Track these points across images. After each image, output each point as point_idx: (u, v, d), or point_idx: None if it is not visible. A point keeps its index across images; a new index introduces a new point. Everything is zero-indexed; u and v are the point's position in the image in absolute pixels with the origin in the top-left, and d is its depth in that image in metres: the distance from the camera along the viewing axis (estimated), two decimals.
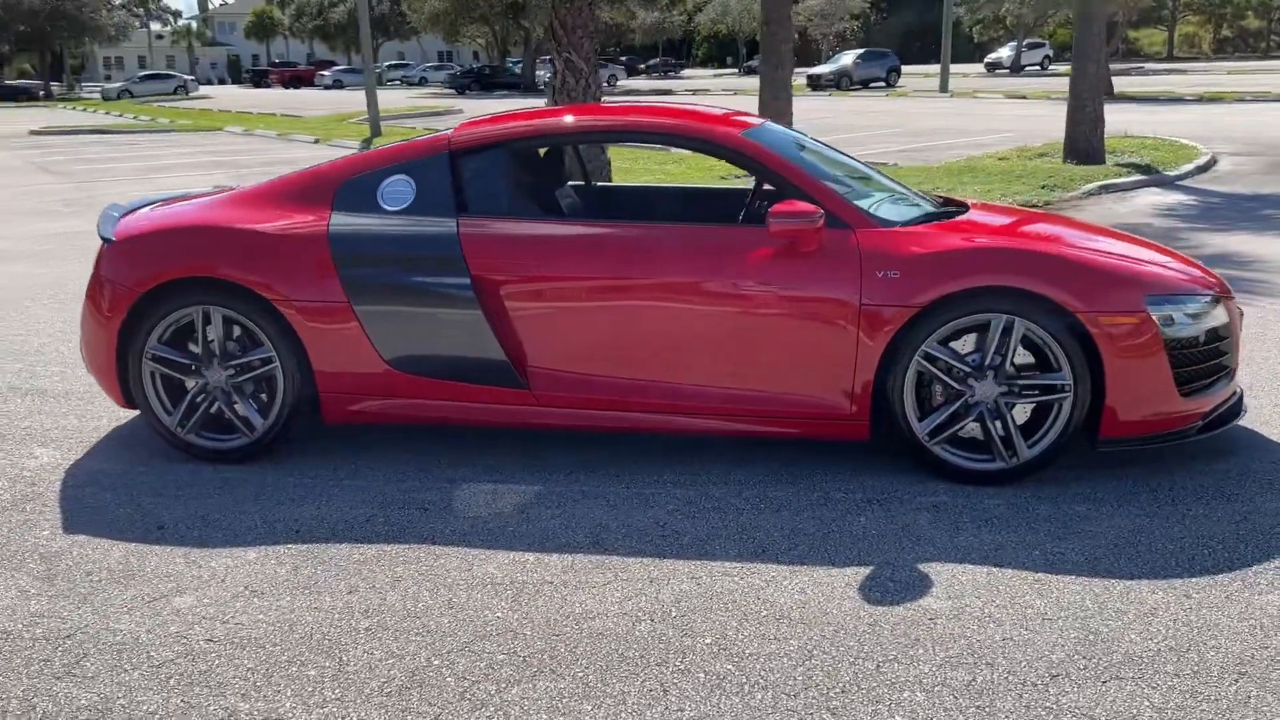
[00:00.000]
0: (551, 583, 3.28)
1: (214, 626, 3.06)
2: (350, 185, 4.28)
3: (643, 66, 70.09)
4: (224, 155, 19.81)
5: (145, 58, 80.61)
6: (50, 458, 4.44)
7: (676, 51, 78.43)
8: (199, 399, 4.28)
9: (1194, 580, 3.23)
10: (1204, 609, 3.06)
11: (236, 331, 4.26)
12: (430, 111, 32.45)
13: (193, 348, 4.28)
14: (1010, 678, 2.73)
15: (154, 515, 3.84)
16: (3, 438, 4.67)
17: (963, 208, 4.69)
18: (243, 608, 3.17)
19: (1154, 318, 3.82)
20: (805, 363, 3.98)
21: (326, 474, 4.20)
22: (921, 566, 3.35)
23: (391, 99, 39.59)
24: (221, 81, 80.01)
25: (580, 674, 2.79)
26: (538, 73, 52.30)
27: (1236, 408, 4.22)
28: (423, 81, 63.65)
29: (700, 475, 4.10)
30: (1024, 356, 3.93)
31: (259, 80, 66.68)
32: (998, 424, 3.91)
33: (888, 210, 4.29)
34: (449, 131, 4.42)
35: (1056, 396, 3.85)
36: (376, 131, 23.00)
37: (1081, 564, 3.34)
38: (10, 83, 58.13)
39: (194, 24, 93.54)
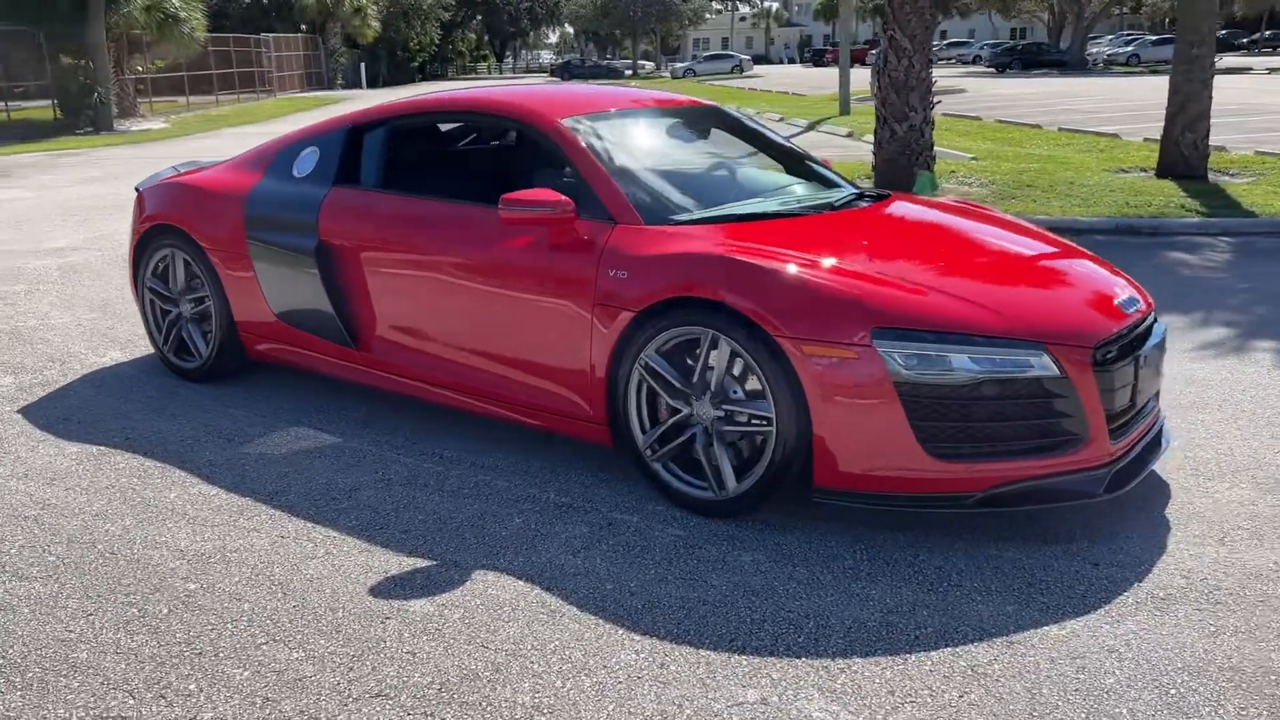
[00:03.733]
0: (186, 517, 3.64)
1: None
2: (283, 154, 4.88)
3: (1244, 41, 61.27)
4: None
5: (727, 39, 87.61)
6: (113, 358, 5.63)
7: None
8: (174, 325, 5.18)
9: (711, 655, 2.74)
10: (664, 683, 2.62)
11: (196, 271, 5.08)
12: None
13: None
14: (353, 685, 2.64)
15: (84, 410, 4.78)
16: (108, 340, 5.98)
17: (881, 199, 4.24)
18: (10, 489, 3.94)
19: (884, 354, 3.15)
20: (545, 356, 3.86)
21: (223, 399, 4.87)
22: (479, 573, 3.20)
23: None
24: (791, 61, 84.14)
25: (56, 586, 3.15)
26: (1088, 52, 48.47)
27: (1083, 485, 3.28)
28: (977, 60, 61.76)
29: (469, 455, 4.14)
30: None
31: (817, 59, 69.14)
32: (710, 450, 3.49)
33: (706, 206, 3.96)
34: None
35: (764, 430, 3.35)
36: (845, 110, 23.25)
37: (635, 611, 2.97)
38: (601, 62, 66.67)
39: (773, 6, 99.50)
